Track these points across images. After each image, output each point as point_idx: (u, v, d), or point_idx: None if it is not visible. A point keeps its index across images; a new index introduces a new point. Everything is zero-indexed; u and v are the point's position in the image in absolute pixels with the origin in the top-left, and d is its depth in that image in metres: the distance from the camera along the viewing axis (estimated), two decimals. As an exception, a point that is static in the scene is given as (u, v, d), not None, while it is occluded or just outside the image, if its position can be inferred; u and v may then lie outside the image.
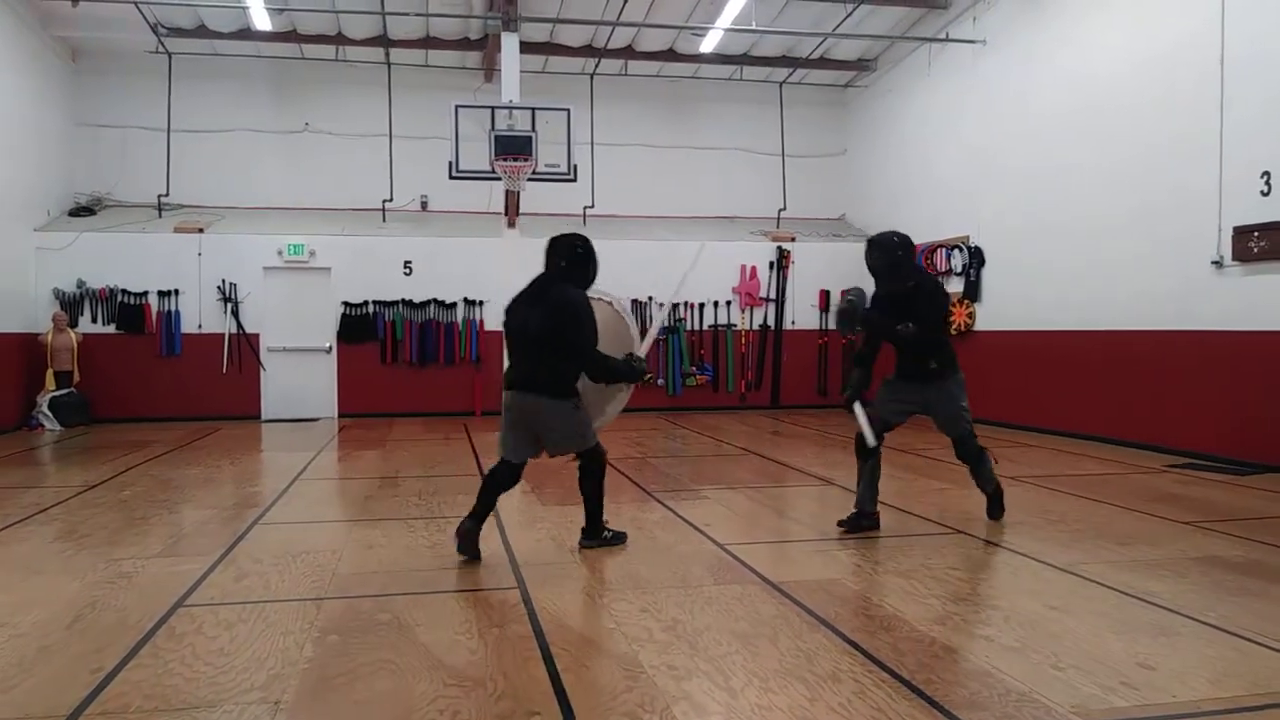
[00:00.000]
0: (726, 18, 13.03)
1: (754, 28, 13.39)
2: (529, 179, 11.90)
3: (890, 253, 5.90)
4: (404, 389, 14.07)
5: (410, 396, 14.04)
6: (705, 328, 15.12)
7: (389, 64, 15.11)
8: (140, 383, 13.32)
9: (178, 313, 13.57)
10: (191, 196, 14.57)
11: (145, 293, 13.48)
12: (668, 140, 16.08)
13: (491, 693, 3.36)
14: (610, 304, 5.84)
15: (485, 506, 5.38)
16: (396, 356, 14.15)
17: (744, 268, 15.16)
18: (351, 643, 3.89)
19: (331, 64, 15.09)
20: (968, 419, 6.04)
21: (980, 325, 12.72)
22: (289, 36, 14.11)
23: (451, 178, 12.16)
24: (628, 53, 15.22)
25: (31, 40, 13.04)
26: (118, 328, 13.37)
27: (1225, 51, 8.85)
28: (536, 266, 5.49)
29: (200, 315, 13.64)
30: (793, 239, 15.49)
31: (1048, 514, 6.55)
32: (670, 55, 15.30)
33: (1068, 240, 11.00)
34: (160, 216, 14.21)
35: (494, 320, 13.61)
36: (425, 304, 14.24)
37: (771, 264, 15.33)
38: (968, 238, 12.92)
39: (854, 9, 13.48)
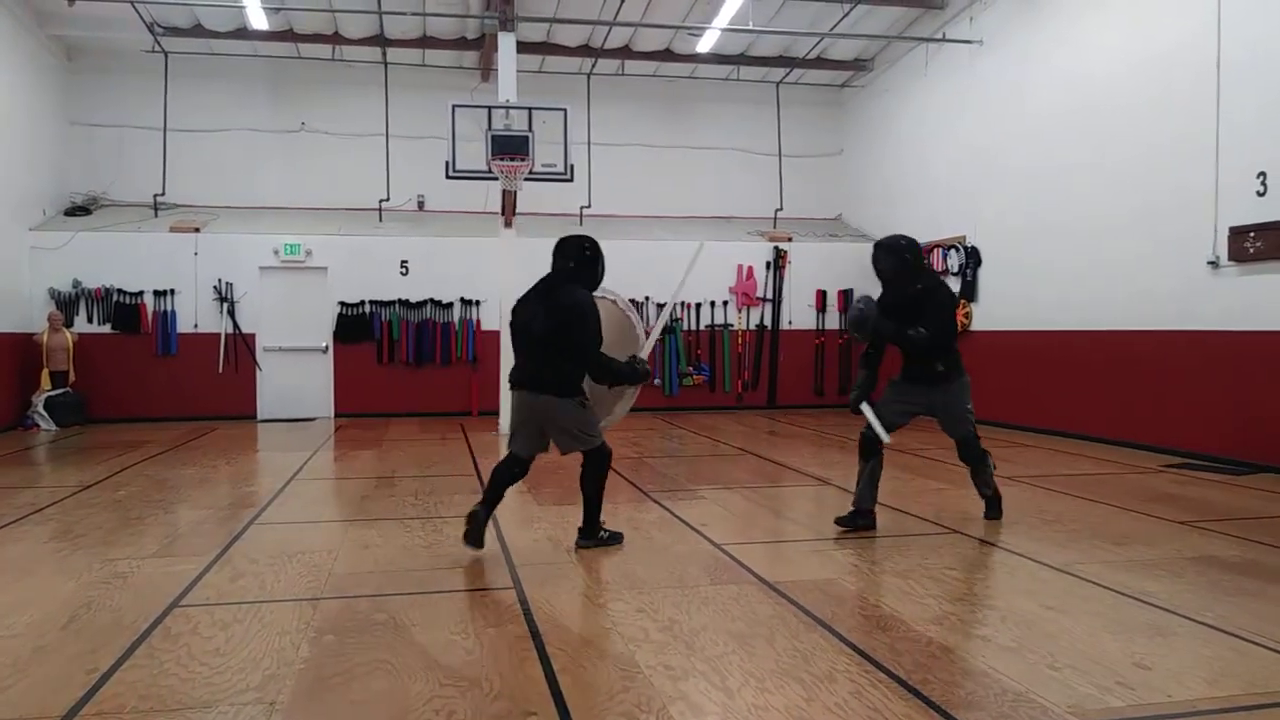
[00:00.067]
0: (723, 18, 13.04)
1: (751, 28, 13.39)
2: (526, 179, 11.88)
3: (898, 256, 5.94)
4: (400, 389, 14.06)
5: (407, 396, 14.03)
6: (702, 328, 15.13)
7: (386, 63, 15.10)
8: (136, 382, 13.30)
9: (173, 312, 13.54)
10: (187, 196, 14.55)
11: (141, 292, 13.46)
12: (664, 140, 16.08)
13: (488, 693, 3.35)
14: (614, 302, 5.86)
15: (495, 495, 5.46)
16: (393, 356, 14.14)
17: (741, 268, 15.16)
18: (347, 643, 3.88)
19: (328, 63, 15.08)
20: (971, 421, 6.07)
21: (977, 325, 12.73)
22: (285, 36, 14.10)
23: (448, 177, 12.13)
24: (624, 52, 15.23)
25: (27, 40, 13.02)
26: (113, 327, 13.35)
27: (1222, 53, 8.86)
28: (533, 266, 5.50)
29: (196, 315, 13.62)
30: (789, 239, 15.49)
31: (1044, 514, 6.56)
32: (667, 55, 15.31)
33: (1064, 240, 11.02)
34: (156, 216, 14.19)
35: (491, 320, 13.61)
36: (422, 304, 14.23)
37: (768, 264, 15.33)
38: (964, 238, 12.93)
39: (850, 9, 13.49)
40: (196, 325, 13.61)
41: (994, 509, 6.27)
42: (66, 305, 13.14)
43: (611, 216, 15.06)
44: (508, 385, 5.47)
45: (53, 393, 12.46)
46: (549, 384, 5.20)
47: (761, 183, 16.32)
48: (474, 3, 13.42)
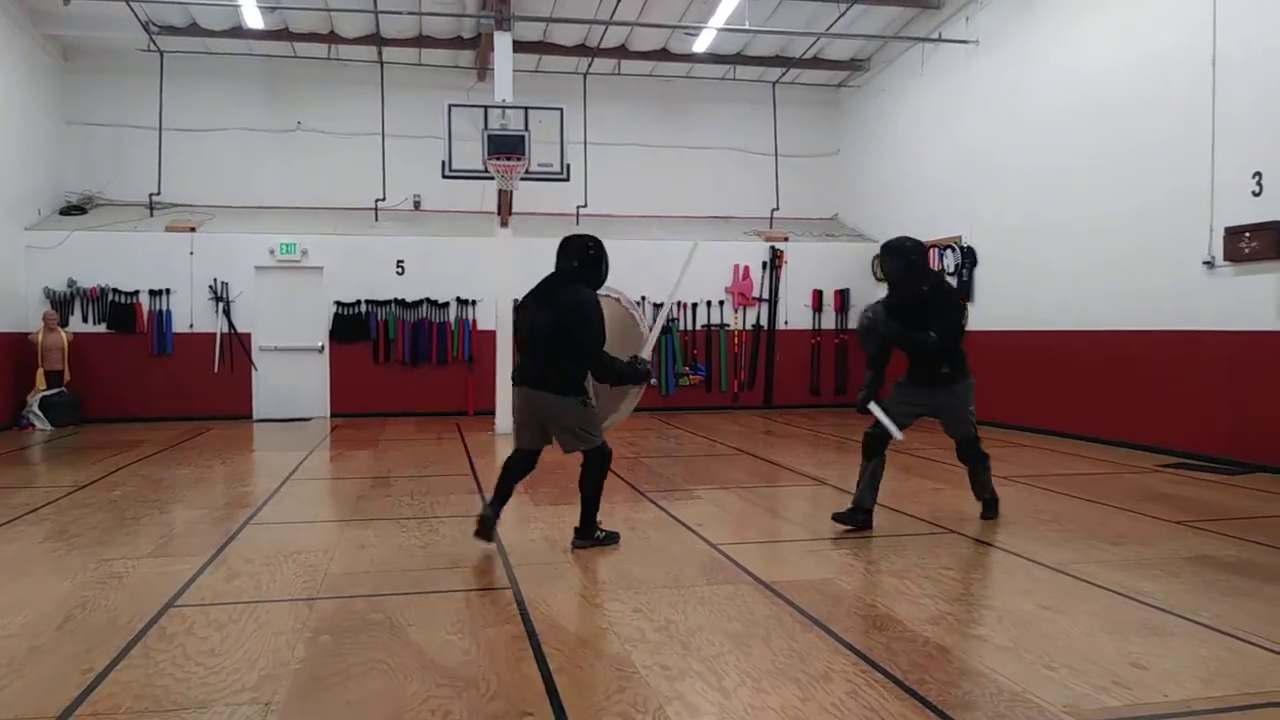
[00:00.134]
0: (720, 17, 13.03)
1: (747, 27, 13.39)
2: (522, 178, 11.87)
3: (904, 258, 5.98)
4: (396, 389, 14.05)
5: (403, 396, 14.02)
6: (698, 327, 15.13)
7: (381, 63, 15.07)
8: (131, 382, 13.27)
9: (169, 312, 13.52)
10: (183, 195, 14.53)
11: (136, 292, 13.43)
12: (661, 140, 16.07)
13: (484, 693, 3.35)
14: (618, 300, 5.89)
15: (505, 492, 5.53)
16: (389, 356, 14.12)
17: (737, 267, 15.16)
18: (343, 643, 3.88)
19: (324, 62, 15.06)
20: (973, 422, 6.12)
21: (973, 325, 12.66)
22: (281, 35, 14.08)
23: (444, 177, 12.13)
24: (621, 52, 15.22)
25: (22, 39, 12.99)
26: (109, 327, 13.32)
27: (1217, 53, 8.87)
28: (530, 266, 5.52)
29: (192, 314, 13.59)
30: (786, 239, 15.49)
31: (1041, 513, 6.56)
32: (663, 55, 15.30)
33: (1059, 241, 11.03)
34: (152, 215, 14.16)
35: (487, 320, 13.61)
36: (418, 303, 14.22)
37: (764, 264, 15.34)
38: (960, 238, 12.93)
39: (847, 9, 13.49)
40: (192, 325, 13.59)
41: (991, 509, 6.30)
42: (62, 305, 13.11)
43: (608, 216, 15.05)
44: (511, 382, 5.52)
45: (48, 392, 12.44)
46: (551, 382, 5.25)
47: (758, 182, 16.32)
48: (470, 2, 13.41)
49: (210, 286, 13.61)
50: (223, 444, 10.98)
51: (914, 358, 6.04)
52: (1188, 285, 9.19)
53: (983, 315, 12.59)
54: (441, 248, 14.23)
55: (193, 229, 13.74)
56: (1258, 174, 8.45)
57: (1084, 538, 5.79)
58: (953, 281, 12.91)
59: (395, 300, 14.15)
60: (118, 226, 13.68)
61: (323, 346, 14.01)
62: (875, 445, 6.01)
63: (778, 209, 16.22)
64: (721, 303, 15.19)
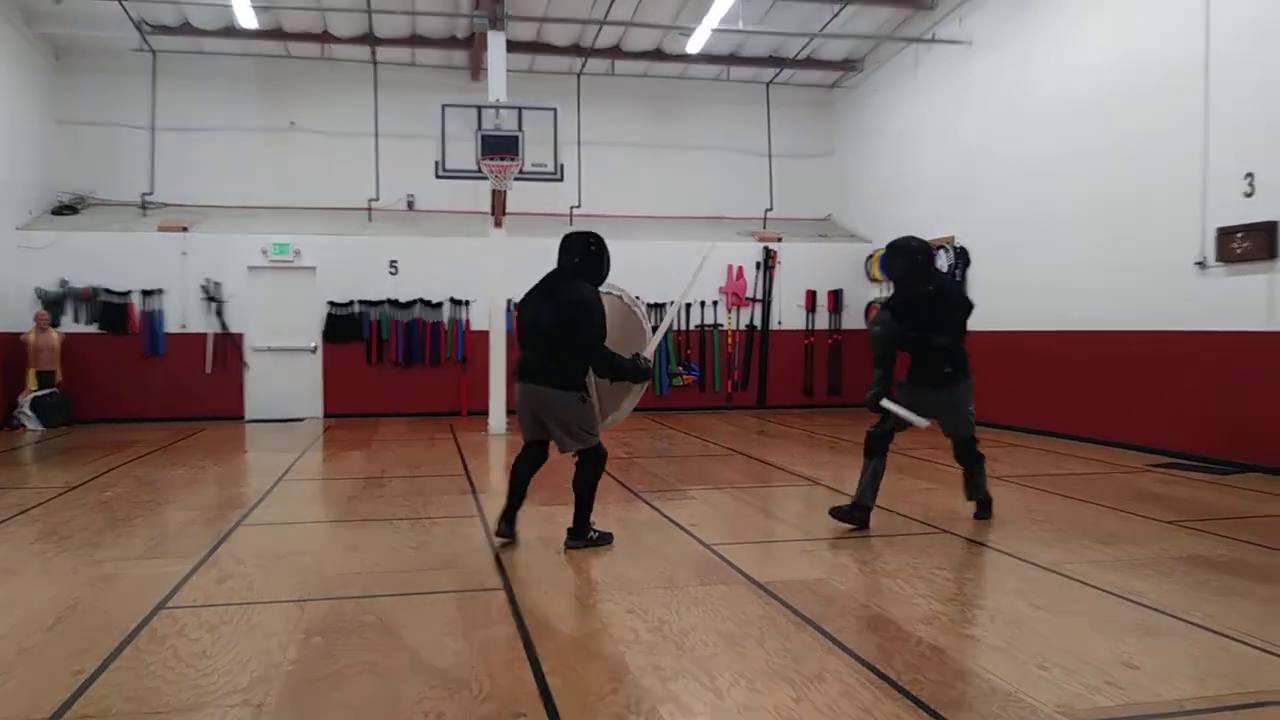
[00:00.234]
0: (713, 18, 13.03)
1: (741, 28, 13.40)
2: (516, 178, 11.87)
3: (910, 257, 6.03)
4: (389, 389, 14.02)
5: (396, 397, 14.00)
6: (692, 328, 15.13)
7: (375, 63, 15.05)
8: (123, 383, 13.22)
9: (161, 312, 13.48)
10: (175, 195, 14.47)
11: (128, 292, 13.38)
12: (655, 140, 16.07)
13: (477, 694, 3.34)
14: (620, 297, 5.91)
15: (515, 498, 5.63)
16: (382, 356, 14.10)
17: (731, 268, 15.17)
18: (335, 644, 3.87)
19: (317, 62, 15.04)
20: (972, 422, 6.14)
21: (968, 325, 12.73)
22: (274, 34, 14.04)
23: (438, 177, 12.11)
24: (615, 52, 15.22)
25: (14, 38, 12.93)
26: (100, 327, 13.27)
27: (1209, 54, 8.89)
28: (523, 266, 5.53)
29: (184, 315, 13.55)
30: (779, 239, 15.50)
31: (1033, 513, 6.57)
32: (657, 55, 15.30)
33: (1052, 241, 11.05)
34: (144, 215, 14.13)
35: (480, 320, 13.59)
36: (411, 304, 14.19)
37: (758, 264, 15.35)
38: (953, 238, 12.95)
39: (840, 9, 13.52)
40: (184, 325, 13.55)
41: (984, 509, 6.31)
42: (53, 305, 13.05)
43: (601, 216, 15.03)
44: (515, 377, 5.59)
45: (39, 393, 12.39)
46: (551, 376, 5.29)
47: (751, 183, 16.33)
48: (464, 2, 13.40)
49: (203, 286, 13.57)
50: (215, 445, 10.95)
51: (917, 358, 6.06)
52: (1180, 285, 9.21)
53: (976, 315, 12.47)
54: (435, 248, 14.20)
55: (185, 229, 13.70)
56: (1249, 175, 8.47)
57: (1076, 538, 5.80)
58: (946, 282, 12.93)
59: (388, 300, 14.12)
60: (110, 226, 13.64)
61: (315, 347, 13.97)
62: (877, 445, 6.05)
63: (771, 209, 16.23)
64: (715, 303, 15.19)
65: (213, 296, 13.60)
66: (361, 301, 14.07)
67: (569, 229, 5.72)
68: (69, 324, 13.14)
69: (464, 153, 11.83)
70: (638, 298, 6.09)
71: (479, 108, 11.94)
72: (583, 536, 5.54)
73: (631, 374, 5.43)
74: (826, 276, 15.53)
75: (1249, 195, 8.49)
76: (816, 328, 15.52)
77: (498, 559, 5.32)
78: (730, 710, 3.20)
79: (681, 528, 6.15)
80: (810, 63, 15.76)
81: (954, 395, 6.03)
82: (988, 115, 12.41)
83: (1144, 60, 9.75)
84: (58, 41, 14.09)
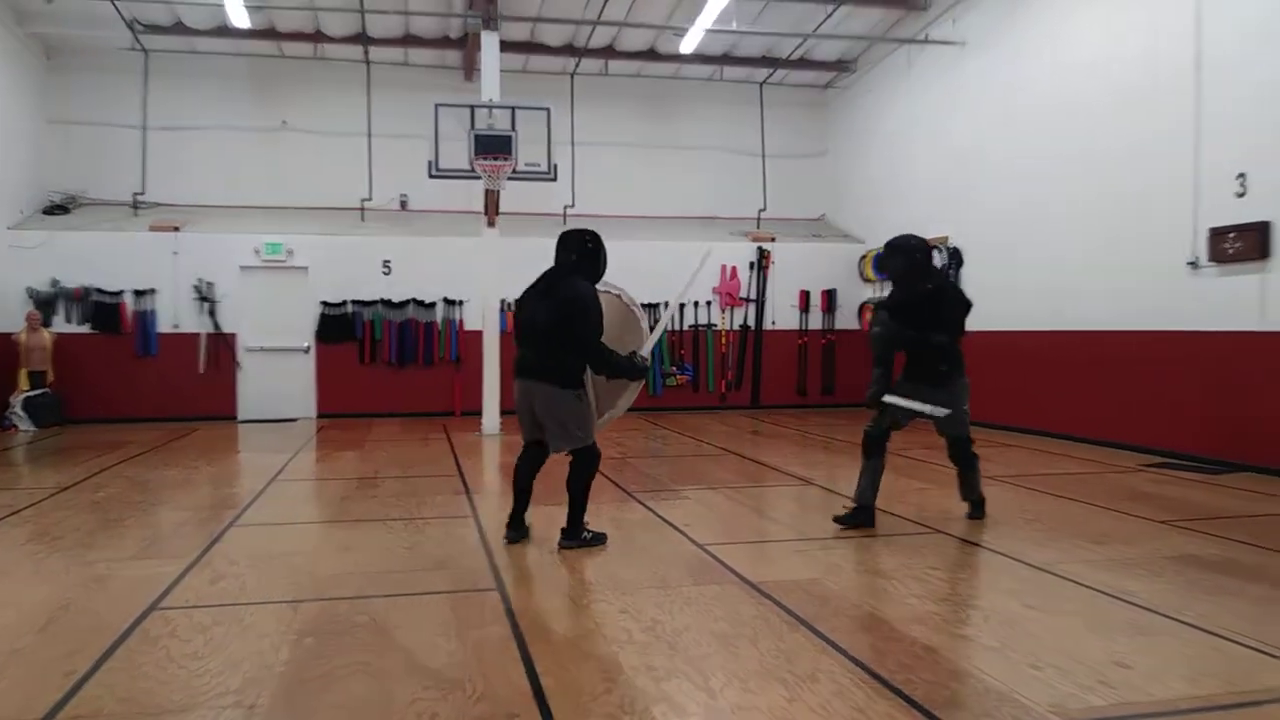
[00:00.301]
0: (707, 18, 13.03)
1: (734, 28, 13.41)
2: (509, 178, 11.87)
3: (908, 256, 6.04)
4: (383, 389, 14.00)
5: (389, 397, 13.97)
6: (685, 328, 15.14)
7: (368, 62, 15.04)
8: (115, 383, 13.19)
9: (153, 312, 13.44)
10: (168, 195, 14.44)
11: (120, 292, 13.35)
12: (648, 140, 16.08)
13: (470, 695, 3.33)
14: (619, 297, 5.92)
15: (521, 500, 5.69)
16: (375, 356, 14.07)
17: (724, 268, 15.17)
18: (328, 645, 3.86)
19: (310, 62, 15.02)
20: (966, 422, 6.14)
21: (960, 325, 12.76)
22: (267, 34, 14.02)
23: (431, 177, 12.10)
24: (608, 52, 15.22)
25: (5, 37, 12.89)
26: (92, 327, 13.23)
27: (1201, 55, 8.92)
28: (517, 266, 5.54)
29: (176, 315, 13.52)
30: (773, 239, 15.51)
31: (1026, 513, 6.59)
32: (651, 55, 15.31)
33: (1045, 241, 11.08)
34: (136, 215, 14.09)
35: (474, 320, 13.57)
36: (404, 304, 14.17)
37: (752, 264, 15.35)
38: (947, 238, 12.97)
39: (834, 10, 13.54)
40: (176, 325, 13.51)
41: (977, 509, 6.32)
42: (45, 305, 13.01)
43: (595, 216, 14.99)
44: (513, 375, 5.60)
45: (31, 393, 12.34)
46: (549, 374, 5.31)
47: (745, 183, 16.34)
48: (457, 2, 13.38)
49: (195, 286, 13.54)
50: (208, 445, 10.92)
51: (914, 356, 6.07)
52: (1172, 285, 9.24)
53: (970, 315, 12.58)
54: (428, 248, 14.19)
55: (177, 229, 13.66)
56: (1241, 175, 8.50)
57: (1068, 537, 5.81)
58: (939, 282, 12.94)
59: (381, 300, 14.10)
60: (101, 226, 13.61)
61: (308, 347, 13.95)
62: (875, 444, 6.07)
63: (765, 209, 16.25)
64: (709, 303, 15.20)
65: (205, 296, 13.57)
66: (354, 301, 14.05)
67: (563, 229, 5.72)
68: (61, 324, 13.11)
69: (457, 152, 11.82)
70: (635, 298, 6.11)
71: (472, 107, 11.93)
72: (576, 537, 5.54)
73: (628, 371, 5.45)
74: (820, 277, 15.54)
75: (1241, 195, 8.52)
76: (810, 328, 15.53)
77: (491, 559, 5.32)
78: (723, 710, 3.20)
79: (675, 528, 6.15)
80: (804, 63, 15.77)
81: (950, 394, 6.03)
82: (981, 116, 12.43)
83: (1136, 61, 9.77)
84: (49, 41, 14.05)
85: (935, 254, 13.01)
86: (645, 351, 5.63)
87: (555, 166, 12.48)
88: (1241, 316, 8.55)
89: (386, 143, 14.84)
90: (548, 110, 12.43)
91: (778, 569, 5.16)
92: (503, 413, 11.88)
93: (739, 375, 15.38)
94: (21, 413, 12.17)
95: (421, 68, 15.29)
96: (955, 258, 12.86)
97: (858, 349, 14.46)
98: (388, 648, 3.83)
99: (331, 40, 14.22)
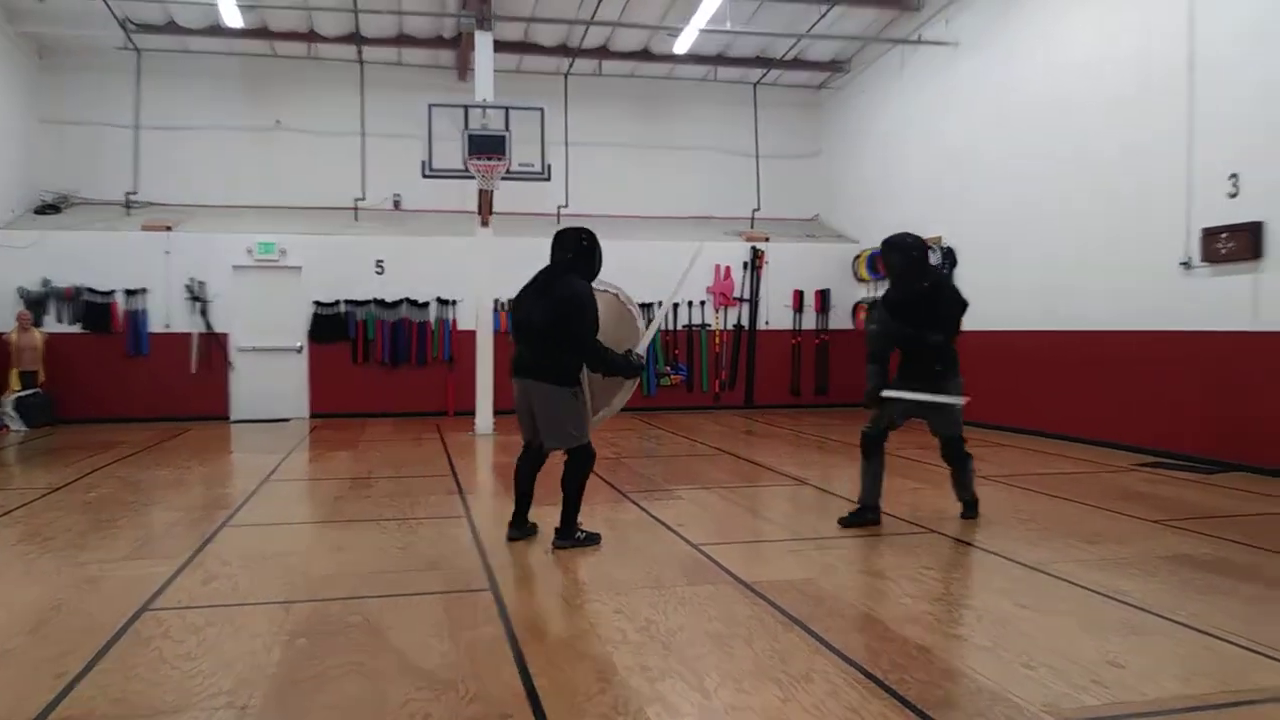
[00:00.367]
0: (701, 18, 13.03)
1: (728, 28, 13.40)
2: (503, 178, 11.85)
3: (906, 254, 6.06)
4: (376, 389, 13.97)
5: (382, 397, 13.95)
6: (679, 327, 15.13)
7: (361, 62, 15.01)
8: (107, 383, 13.14)
9: (145, 312, 13.39)
10: (160, 194, 14.40)
11: (112, 291, 13.29)
12: (642, 140, 16.08)
13: (463, 696, 3.33)
14: (616, 295, 5.93)
15: (522, 500, 5.71)
16: (368, 356, 14.04)
17: (718, 268, 15.17)
18: (321, 646, 3.84)
19: (303, 61, 14.99)
20: (960, 421, 6.14)
21: (953, 325, 12.78)
22: (260, 33, 13.98)
23: (424, 176, 12.08)
24: (602, 53, 15.22)
25: (-4, 35, 12.86)
26: (84, 327, 13.18)
27: (1194, 56, 8.95)
28: (510, 265, 5.54)
29: (168, 314, 13.47)
30: (767, 239, 15.52)
31: (1019, 513, 6.59)
32: (645, 55, 15.31)
33: (1039, 240, 11.10)
34: (128, 214, 14.04)
35: (467, 320, 13.55)
36: (397, 303, 14.15)
37: (745, 264, 15.36)
38: (940, 238, 12.98)
39: (827, 11, 13.55)
40: (168, 325, 13.47)
41: (971, 509, 6.33)
42: (36, 304, 12.95)
43: (589, 216, 14.95)
44: (511, 374, 5.61)
45: (22, 393, 12.29)
46: (545, 372, 5.32)
47: (739, 183, 16.34)
48: (450, 1, 13.37)
49: (187, 286, 13.49)
50: (200, 445, 10.89)
51: (909, 356, 6.07)
52: (1165, 286, 9.26)
53: (965, 314, 12.61)
54: (421, 247, 14.16)
55: (169, 228, 13.61)
56: (1234, 175, 8.52)
57: (1062, 537, 5.82)
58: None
59: (375, 300, 14.07)
60: (93, 226, 13.55)
61: (301, 347, 13.91)
62: (874, 444, 6.09)
63: (759, 209, 16.25)
64: (703, 303, 15.20)
65: (197, 296, 13.52)
66: (347, 301, 14.01)
67: (556, 229, 5.72)
68: (52, 324, 13.05)
69: (451, 152, 11.81)
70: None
71: (466, 107, 11.92)
72: (570, 536, 5.53)
73: (624, 368, 5.46)
74: (814, 276, 15.55)
75: (1233, 196, 8.54)
76: (804, 328, 15.54)
77: (485, 559, 5.31)
78: (717, 710, 3.20)
79: (669, 528, 6.14)
80: (797, 63, 15.79)
81: (944, 393, 6.04)
82: (974, 116, 12.45)
83: (1129, 62, 9.79)
84: (41, 40, 14.00)
85: (930, 253, 13.15)
86: (640, 349, 5.64)
87: (549, 166, 12.47)
88: (1234, 316, 8.58)
89: (380, 142, 14.82)
90: (541, 110, 12.42)
91: (772, 569, 5.16)
92: (496, 413, 11.87)
93: (733, 375, 15.38)
94: (13, 413, 12.12)
95: (415, 67, 15.26)
96: (949, 257, 12.87)
97: (851, 349, 14.49)
98: (381, 648, 3.82)
99: (325, 40, 14.19)
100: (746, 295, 15.38)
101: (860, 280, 15.24)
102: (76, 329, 13.15)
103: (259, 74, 14.93)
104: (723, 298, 15.22)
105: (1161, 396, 9.40)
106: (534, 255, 5.91)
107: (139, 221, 13.75)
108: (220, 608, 4.37)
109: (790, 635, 3.96)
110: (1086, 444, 10.14)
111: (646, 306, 13.14)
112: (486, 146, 11.68)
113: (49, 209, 13.86)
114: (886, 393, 5.97)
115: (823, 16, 13.73)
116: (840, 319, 15.52)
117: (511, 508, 5.78)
